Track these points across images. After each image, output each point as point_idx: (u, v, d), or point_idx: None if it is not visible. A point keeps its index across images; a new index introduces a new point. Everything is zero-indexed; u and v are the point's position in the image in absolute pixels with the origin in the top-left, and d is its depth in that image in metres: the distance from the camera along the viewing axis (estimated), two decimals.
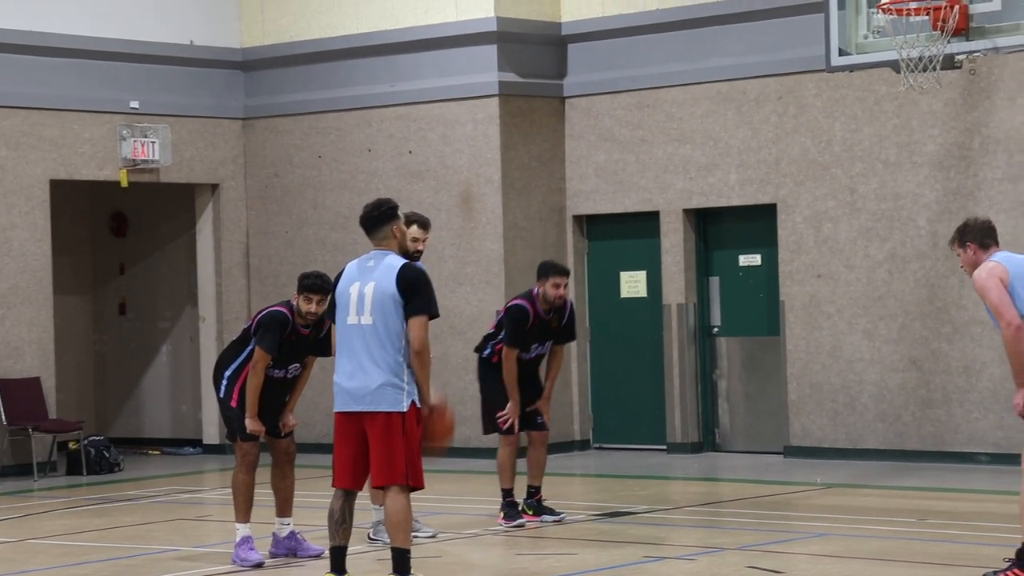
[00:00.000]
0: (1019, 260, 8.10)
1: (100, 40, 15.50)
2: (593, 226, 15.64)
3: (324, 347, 9.45)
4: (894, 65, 11.38)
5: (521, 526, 10.65)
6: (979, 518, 10.57)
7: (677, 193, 14.92)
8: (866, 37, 11.62)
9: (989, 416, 13.24)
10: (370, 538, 10.02)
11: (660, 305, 15.12)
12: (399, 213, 8.10)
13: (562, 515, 10.89)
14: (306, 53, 16.17)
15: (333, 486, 8.05)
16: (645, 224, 15.21)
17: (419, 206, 15.47)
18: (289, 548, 9.71)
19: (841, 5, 11.59)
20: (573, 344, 15.28)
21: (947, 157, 13.52)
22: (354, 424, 7.94)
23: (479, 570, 9.51)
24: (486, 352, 10.84)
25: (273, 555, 9.67)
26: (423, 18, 15.46)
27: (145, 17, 15.86)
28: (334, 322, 8.08)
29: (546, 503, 10.92)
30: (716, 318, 15.05)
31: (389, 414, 7.84)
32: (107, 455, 15.15)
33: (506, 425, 10.64)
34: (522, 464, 10.89)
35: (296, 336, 9.53)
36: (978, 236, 8.18)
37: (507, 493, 10.78)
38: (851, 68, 12.07)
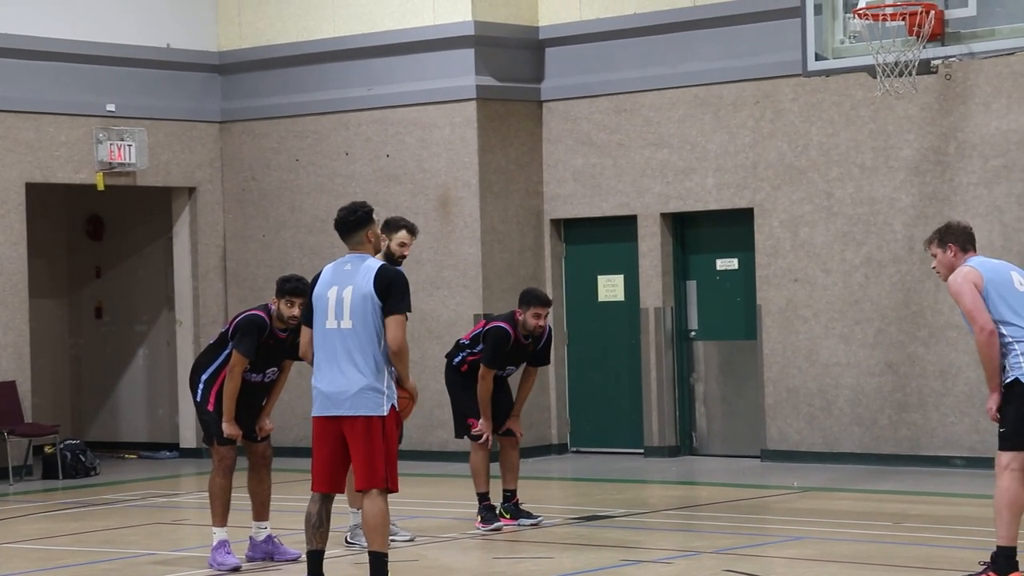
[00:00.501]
0: (994, 265, 8.14)
1: (76, 43, 15.45)
2: (571, 230, 15.65)
3: None
4: (870, 70, 11.41)
5: (498, 530, 10.66)
6: (955, 522, 10.61)
7: (654, 197, 14.95)
8: (842, 42, 11.65)
9: (965, 420, 13.29)
10: (348, 542, 10.01)
11: (637, 309, 15.14)
12: (374, 217, 8.10)
13: (539, 519, 10.90)
14: (283, 56, 16.15)
15: (311, 489, 8.04)
16: (622, 228, 15.23)
17: (396, 210, 15.45)
18: (266, 552, 9.69)
19: (818, 10, 11.63)
20: (552, 348, 15.33)
21: (923, 162, 13.57)
22: (333, 428, 7.93)
23: (456, 574, 9.51)
24: (456, 360, 10.88)
25: (250, 559, 9.65)
26: (400, 22, 15.46)
27: (122, 20, 15.82)
28: (310, 326, 8.07)
29: (523, 507, 10.93)
30: (693, 322, 15.08)
31: (369, 418, 7.84)
32: (83, 459, 15.10)
33: (481, 440, 10.69)
34: (497, 468, 10.90)
35: (274, 340, 9.52)
36: (960, 238, 8.22)
37: (483, 497, 10.79)
38: (828, 73, 12.11)
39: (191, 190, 16.42)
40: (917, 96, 12.65)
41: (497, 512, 10.80)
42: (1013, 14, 10.89)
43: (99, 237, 17.58)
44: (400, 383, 7.97)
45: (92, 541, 10.90)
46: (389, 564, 7.92)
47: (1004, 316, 7.93)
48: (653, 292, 14.99)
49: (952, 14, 11.07)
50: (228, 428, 9.47)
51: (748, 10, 14.27)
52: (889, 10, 11.11)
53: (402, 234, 10.02)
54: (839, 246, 13.96)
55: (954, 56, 11.28)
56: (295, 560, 9.47)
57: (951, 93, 13.32)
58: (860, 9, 11.29)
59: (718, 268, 14.94)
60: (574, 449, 15.63)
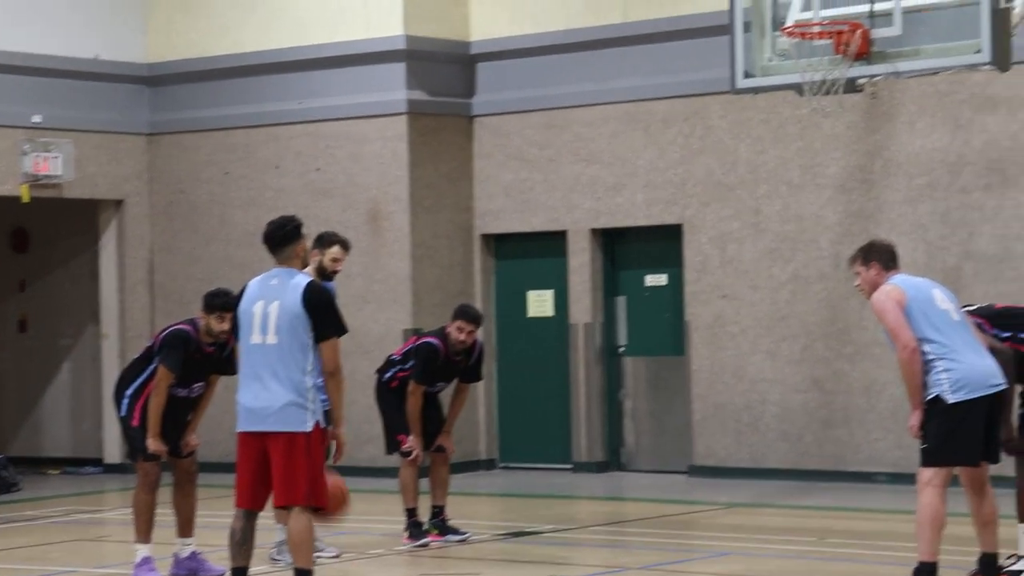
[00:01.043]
0: (916, 283, 8.23)
1: (3, 53, 15.29)
2: (501, 245, 15.66)
3: (228, 366, 9.39)
4: (798, 88, 11.50)
5: (425, 546, 10.63)
6: (878, 537, 10.70)
7: (584, 213, 14.99)
8: (771, 60, 11.74)
9: (889, 436, 13.41)
10: (273, 558, 9.95)
11: (567, 324, 15.16)
12: (303, 232, 8.06)
13: (467, 534, 10.88)
14: (214, 69, 16.06)
15: (235, 506, 7.99)
16: (552, 243, 15.26)
17: (327, 224, 15.34)
18: (190, 569, 9.61)
19: (746, 28, 11.71)
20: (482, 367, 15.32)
21: (849, 179, 13.69)
22: (257, 444, 7.89)
23: None
24: (387, 376, 10.85)
25: None
26: (332, 35, 15.42)
27: (49, 31, 15.67)
28: (239, 340, 8.02)
29: (451, 523, 10.90)
30: (622, 338, 15.12)
31: (293, 434, 7.81)
32: (5, 474, 14.89)
33: (411, 456, 10.66)
34: (426, 483, 10.88)
35: (200, 354, 9.45)
36: (883, 257, 8.30)
37: (411, 512, 10.76)
38: (756, 90, 12.19)
39: (118, 202, 16.28)
40: (843, 114, 12.77)
41: (424, 528, 10.77)
42: (937, 34, 11.02)
43: (24, 249, 17.39)
44: (335, 421, 7.91)
45: (14, 558, 10.76)
46: None
47: (926, 333, 8.01)
48: (582, 308, 15.02)
49: (878, 33, 11.17)
50: (153, 443, 9.40)
51: (678, 27, 14.36)
52: (816, 29, 11.20)
53: (335, 249, 10.02)
54: (767, 263, 14.05)
55: (880, 75, 11.39)
56: None
57: (877, 112, 13.46)
58: (788, 28, 11.37)
59: (647, 284, 15.00)
60: (503, 465, 15.62)
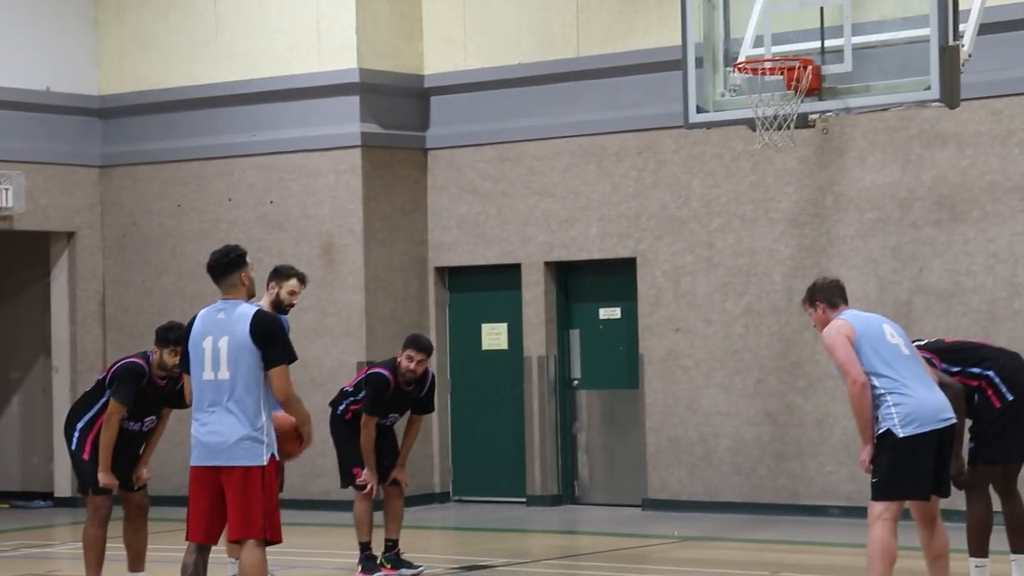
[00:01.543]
0: (866, 318, 8.29)
1: None
2: (455, 278, 15.67)
3: (180, 399, 9.33)
4: (750, 123, 11.58)
5: None
6: (831, 571, 10.72)
7: (538, 246, 15.02)
8: (723, 95, 11.82)
9: (841, 469, 13.47)
10: None
11: (521, 357, 15.17)
12: (247, 260, 8.02)
13: (420, 568, 10.85)
14: (166, 101, 16.02)
15: (187, 540, 7.93)
16: (506, 276, 15.27)
17: (280, 256, 15.36)
18: None
19: (699, 63, 11.79)
20: (435, 396, 15.30)
21: (801, 214, 13.78)
22: (211, 477, 7.85)
23: None
24: (340, 408, 10.82)
25: None
26: (285, 68, 15.42)
27: (0, 62, 15.60)
28: (188, 374, 7.98)
29: (404, 556, 10.87)
30: (576, 371, 15.14)
31: (248, 468, 7.77)
32: None
33: (365, 490, 10.63)
34: (380, 517, 10.84)
35: (152, 388, 9.41)
36: (827, 295, 8.37)
37: (364, 546, 10.72)
38: (708, 125, 12.27)
39: (70, 235, 16.19)
40: (795, 149, 12.87)
41: (378, 562, 10.74)
42: (887, 71, 11.13)
43: None
44: (298, 428, 7.93)
45: None
46: None
47: (876, 368, 8.06)
48: (536, 341, 15.03)
49: (829, 69, 11.28)
50: (104, 477, 9.33)
51: (631, 62, 14.44)
52: (768, 64, 11.29)
53: (293, 283, 10.00)
54: (720, 296, 14.11)
55: (831, 111, 11.49)
56: None
57: (828, 147, 13.57)
58: (740, 63, 11.46)
59: (601, 317, 15.03)
60: (456, 498, 15.58)
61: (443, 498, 15.53)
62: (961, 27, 10.77)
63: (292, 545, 10.03)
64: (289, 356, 7.92)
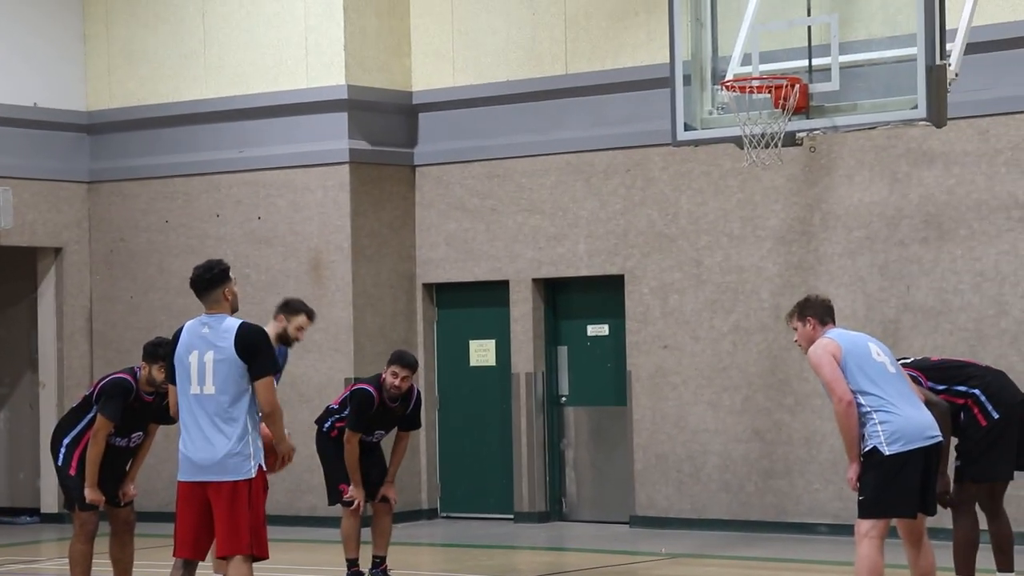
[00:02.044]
0: (852, 337, 8.31)
1: None
2: (443, 294, 15.67)
3: (167, 415, 9.31)
4: (738, 141, 11.60)
5: None
6: None
7: (526, 263, 15.03)
8: (711, 113, 11.84)
9: (829, 487, 13.48)
10: None
11: (509, 374, 15.17)
12: (230, 275, 8.01)
13: None
14: (154, 117, 16.02)
15: (174, 556, 7.92)
16: (494, 293, 15.28)
17: (268, 272, 15.38)
18: None
19: (687, 81, 11.82)
20: (422, 412, 15.28)
21: (789, 232, 13.81)
22: (198, 493, 7.84)
23: None
24: (326, 425, 10.82)
25: None
26: (273, 84, 15.43)
27: None
28: (175, 384, 7.97)
29: (392, 573, 10.86)
30: (564, 387, 15.14)
31: (235, 483, 7.76)
32: None
33: (352, 506, 10.62)
34: (368, 534, 10.83)
35: (139, 404, 9.40)
36: (819, 312, 8.39)
37: (352, 563, 10.71)
38: (696, 143, 12.28)
39: (57, 250, 16.17)
40: (783, 167, 12.89)
41: None
42: (874, 90, 11.16)
43: None
44: (275, 444, 7.95)
45: None
46: None
47: (862, 386, 8.08)
48: (524, 357, 15.04)
49: (816, 88, 11.30)
50: (90, 493, 9.31)
51: (619, 80, 14.47)
52: (756, 83, 11.32)
53: (302, 319, 10.02)
54: (708, 313, 14.13)
55: (818, 129, 11.51)
56: None
57: (816, 165, 13.61)
58: (728, 81, 11.49)
59: (589, 334, 15.04)
60: (444, 514, 15.57)
61: (431, 514, 15.52)
62: (948, 46, 10.81)
63: (279, 561, 10.02)
64: (274, 367, 7.93)
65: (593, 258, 14.70)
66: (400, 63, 15.53)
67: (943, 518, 9.11)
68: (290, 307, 10.04)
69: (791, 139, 11.51)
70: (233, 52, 15.66)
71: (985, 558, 9.05)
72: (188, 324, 8.01)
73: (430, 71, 15.48)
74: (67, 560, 9.53)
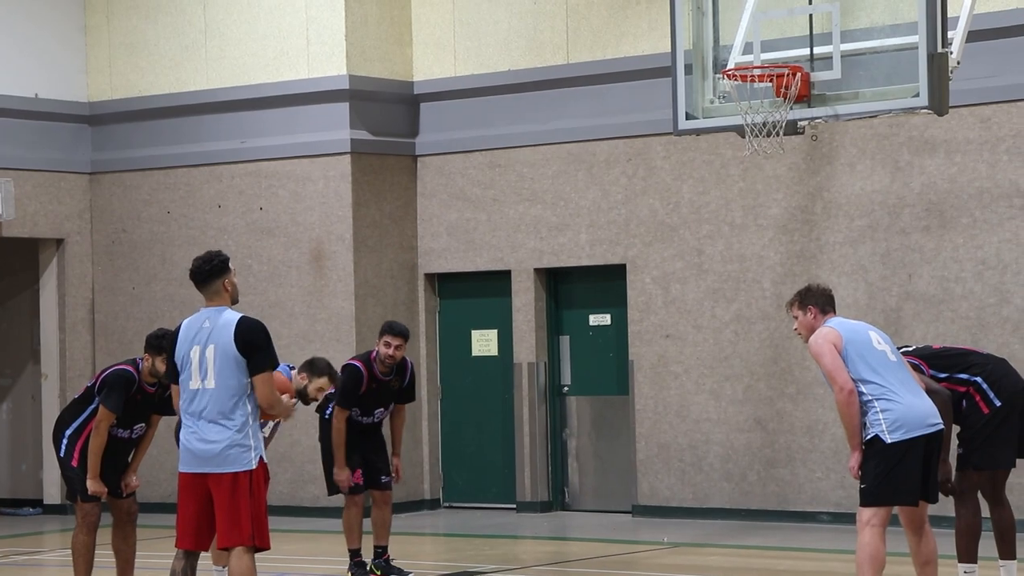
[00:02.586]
0: (852, 326, 8.30)
1: None
2: (444, 284, 15.67)
3: (170, 406, 9.32)
4: (739, 130, 11.58)
5: None
6: None
7: (528, 252, 15.02)
8: (712, 102, 11.82)
9: (831, 476, 13.48)
10: None
11: (511, 364, 15.17)
12: (230, 266, 8.01)
13: (410, 574, 10.84)
14: (155, 108, 16.01)
15: (176, 547, 7.93)
16: (496, 283, 15.28)
17: (270, 263, 15.38)
18: None
19: (688, 70, 11.80)
20: (424, 403, 15.31)
21: (791, 220, 13.80)
22: (199, 484, 7.85)
23: None
24: (328, 412, 10.80)
25: None
26: (274, 75, 15.42)
27: None
28: (175, 383, 7.99)
29: (394, 562, 10.87)
30: (566, 377, 15.14)
31: (236, 474, 7.77)
32: None
33: (346, 488, 10.60)
34: (369, 524, 10.83)
35: (142, 395, 9.40)
36: (820, 301, 8.38)
37: (354, 553, 10.72)
38: (698, 132, 12.26)
39: (59, 241, 16.17)
40: (785, 156, 12.88)
41: (368, 568, 10.73)
42: (876, 78, 11.14)
43: None
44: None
45: None
46: None
47: (863, 375, 8.08)
48: (526, 347, 15.04)
49: (818, 76, 11.28)
50: (93, 485, 9.32)
51: (620, 69, 14.45)
52: (757, 71, 11.30)
53: (323, 381, 9.81)
54: (709, 303, 14.13)
55: (820, 118, 11.49)
56: None
57: (817, 154, 13.59)
58: (729, 70, 11.46)
59: (591, 323, 15.03)
60: (446, 504, 15.58)
61: (433, 504, 15.53)
62: (950, 34, 10.79)
63: (281, 552, 10.05)
64: (273, 363, 7.93)
65: (595, 247, 14.69)
66: (401, 53, 15.52)
67: (945, 506, 9.11)
68: (314, 367, 9.85)
69: (793, 128, 11.50)
70: (234, 42, 15.65)
71: (987, 546, 9.05)
72: (188, 319, 8.02)
73: (431, 61, 15.46)
74: (70, 551, 9.53)
